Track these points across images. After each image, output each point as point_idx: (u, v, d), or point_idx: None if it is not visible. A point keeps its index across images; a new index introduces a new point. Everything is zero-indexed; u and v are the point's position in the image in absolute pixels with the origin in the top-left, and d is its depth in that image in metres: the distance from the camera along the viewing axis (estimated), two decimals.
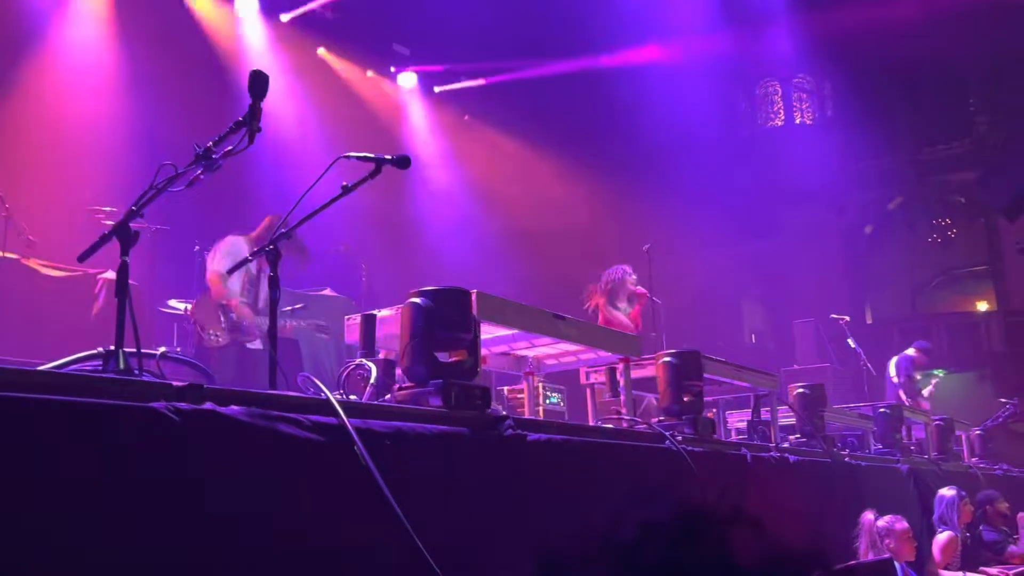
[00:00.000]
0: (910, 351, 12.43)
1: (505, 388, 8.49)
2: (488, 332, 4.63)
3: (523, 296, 5.24)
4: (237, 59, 11.87)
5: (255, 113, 3.09)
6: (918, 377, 12.56)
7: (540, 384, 8.36)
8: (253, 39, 12.36)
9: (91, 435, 2.29)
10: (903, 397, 11.78)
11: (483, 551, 3.30)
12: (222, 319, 7.20)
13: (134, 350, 2.98)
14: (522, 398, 6.38)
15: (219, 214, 8.48)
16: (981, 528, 8.24)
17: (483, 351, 4.31)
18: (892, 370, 12.24)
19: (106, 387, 2.47)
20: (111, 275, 7.31)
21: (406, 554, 2.84)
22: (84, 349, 3.09)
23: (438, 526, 3.01)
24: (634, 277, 8.81)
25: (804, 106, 22.93)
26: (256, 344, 7.22)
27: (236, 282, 7.24)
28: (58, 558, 2.16)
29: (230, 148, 3.13)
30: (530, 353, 5.54)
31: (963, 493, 7.71)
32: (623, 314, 8.62)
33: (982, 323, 21.46)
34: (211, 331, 7.15)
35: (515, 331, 4.77)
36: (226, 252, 7.23)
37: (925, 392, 12.23)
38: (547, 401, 8.77)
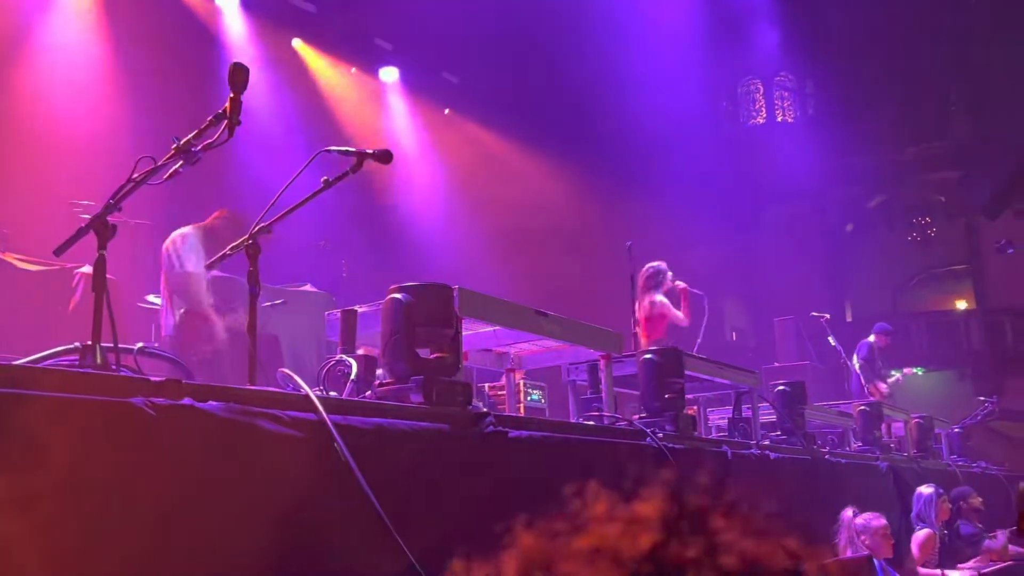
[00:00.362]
0: (871, 337, 12.48)
1: (487, 385, 8.47)
2: (471, 328, 4.61)
3: (506, 293, 5.22)
4: (218, 52, 11.79)
5: (235, 106, 3.07)
6: (881, 364, 12.56)
7: (522, 381, 8.36)
8: (233, 31, 12.29)
9: (68, 431, 2.26)
10: (862, 382, 11.86)
11: (464, 548, 3.28)
12: (203, 331, 6.80)
13: (111, 345, 2.95)
14: (504, 395, 6.36)
15: (201, 208, 8.40)
16: (959, 523, 8.29)
17: (465, 347, 4.30)
18: (855, 357, 12.33)
19: (83, 382, 2.44)
20: (88, 269, 7.19)
21: (387, 550, 2.82)
22: (61, 344, 3.06)
23: (419, 522, 3.00)
24: (671, 273, 9.24)
25: (786, 104, 23.02)
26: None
27: (203, 271, 6.82)
28: (29, 554, 2.13)
29: (210, 141, 3.10)
30: (512, 350, 5.53)
31: (941, 491, 7.76)
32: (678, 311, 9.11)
33: (961, 322, 21.64)
34: (197, 348, 6.71)
35: (497, 327, 4.76)
36: (189, 249, 6.86)
37: (890, 380, 12.25)
38: (528, 398, 8.77)
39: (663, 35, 16.88)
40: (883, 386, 11.96)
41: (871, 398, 10.85)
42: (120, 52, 10.41)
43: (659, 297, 9.09)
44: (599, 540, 0.71)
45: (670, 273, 9.22)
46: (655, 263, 9.24)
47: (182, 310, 6.88)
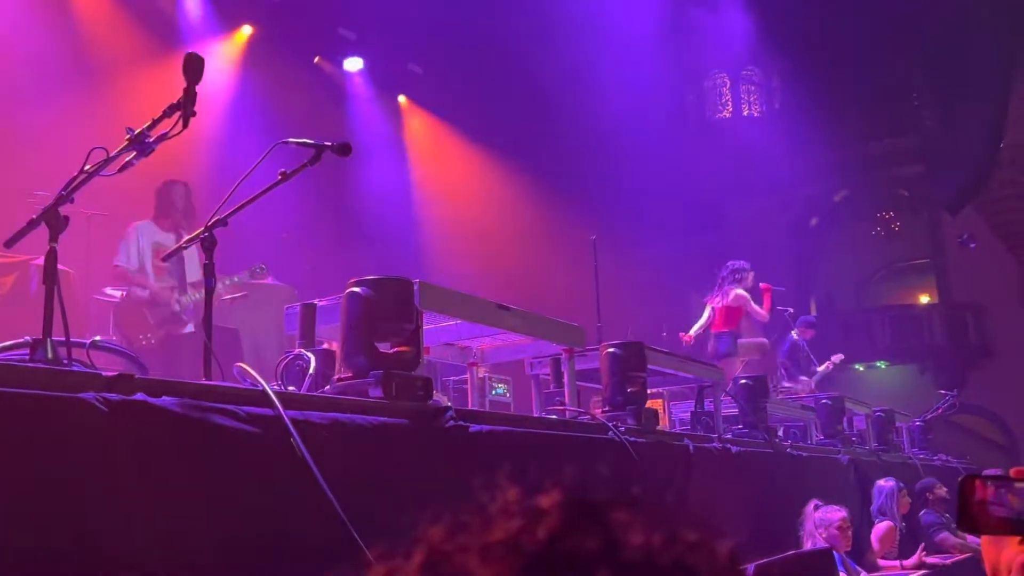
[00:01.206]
0: (794, 332, 12.53)
1: (451, 379, 8.45)
2: (433, 323, 4.59)
3: (468, 287, 5.20)
4: (176, 40, 11.63)
5: (189, 97, 3.02)
6: (806, 357, 12.56)
7: (486, 375, 8.35)
8: (192, 18, 12.12)
9: (17, 426, 2.22)
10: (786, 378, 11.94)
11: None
12: (149, 317, 6.91)
13: (63, 339, 2.90)
14: (468, 389, 6.35)
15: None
16: (922, 512, 8.39)
17: (428, 342, 4.27)
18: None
19: (32, 377, 2.40)
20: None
21: (343, 545, 2.80)
22: (11, 338, 3.00)
23: (377, 518, 2.97)
24: (753, 273, 10.47)
25: (752, 99, 23.10)
26: (190, 328, 7.05)
27: (142, 266, 6.98)
28: None
29: (164, 132, 3.06)
30: (474, 344, 5.51)
31: (901, 484, 7.83)
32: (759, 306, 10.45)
33: (923, 316, 21.83)
34: (141, 336, 6.83)
35: (459, 321, 4.74)
36: (131, 241, 7.01)
37: (821, 368, 12.29)
38: (493, 392, 8.77)
39: (629, 28, 16.86)
40: (807, 379, 12.00)
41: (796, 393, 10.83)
42: (77, 40, 10.27)
43: (740, 291, 10.20)
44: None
45: (752, 273, 10.40)
46: (740, 261, 10.44)
47: (121, 298, 7.05)
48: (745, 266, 10.38)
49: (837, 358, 12.53)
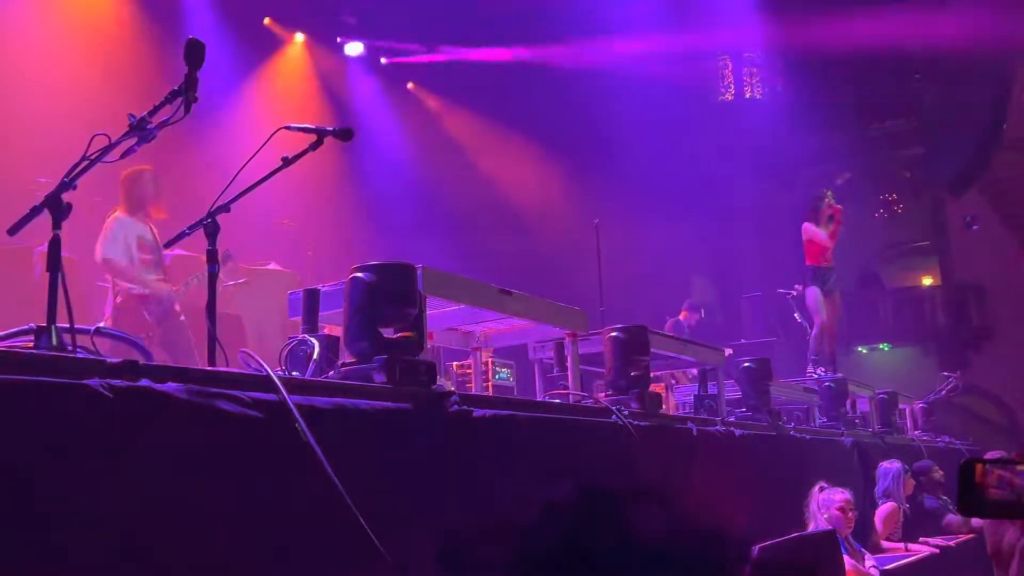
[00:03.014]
0: (681, 314, 12.39)
1: (455, 364, 8.46)
2: (436, 308, 4.59)
3: (471, 271, 5.20)
4: (179, 25, 11.61)
5: (191, 82, 3.02)
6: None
7: (490, 360, 8.35)
8: (196, 5, 12.10)
9: (21, 413, 2.22)
10: None
11: (428, 527, 3.28)
12: (147, 315, 6.77)
13: (67, 326, 2.90)
14: (472, 373, 6.36)
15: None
16: (923, 497, 8.39)
17: (431, 327, 4.28)
18: None
19: (37, 364, 2.40)
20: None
21: (348, 530, 2.81)
22: (17, 325, 3.01)
23: (381, 502, 2.98)
24: (831, 194, 10.59)
25: (754, 81, 23.02)
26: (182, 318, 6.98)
27: (131, 261, 6.80)
28: None
29: (166, 118, 3.05)
30: (478, 328, 5.51)
31: (906, 466, 7.84)
32: (825, 232, 10.44)
33: (926, 298, 21.80)
34: (142, 335, 6.46)
35: (462, 306, 4.74)
36: (106, 236, 6.79)
37: None
38: (497, 376, 8.77)
39: (631, 10, 16.81)
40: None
41: None
42: (82, 28, 10.26)
43: (806, 224, 10.47)
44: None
45: (828, 198, 10.58)
46: (817, 190, 10.63)
47: (120, 299, 6.82)
48: (818, 193, 10.78)
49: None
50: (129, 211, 6.94)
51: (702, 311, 12.65)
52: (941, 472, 8.63)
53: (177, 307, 6.96)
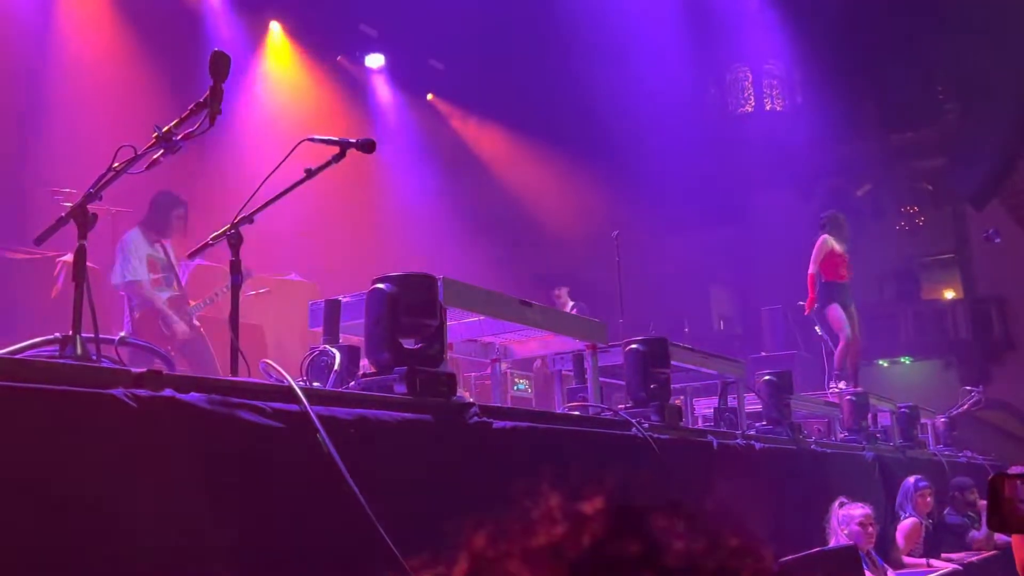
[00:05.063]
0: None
1: (473, 375, 8.47)
2: (456, 319, 4.60)
3: (491, 282, 5.21)
4: (199, 38, 11.68)
5: (216, 94, 3.04)
6: None
7: (509, 371, 8.36)
8: (217, 19, 12.19)
9: (46, 422, 2.24)
10: None
11: (447, 539, 3.27)
12: (164, 329, 6.78)
13: (92, 335, 2.92)
14: (490, 385, 6.35)
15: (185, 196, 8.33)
16: (946, 511, 8.31)
17: (451, 338, 4.28)
18: None
19: (62, 373, 2.41)
20: (70, 258, 7.09)
21: (369, 541, 2.81)
22: (43, 334, 3.03)
23: (401, 514, 2.98)
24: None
25: (774, 92, 22.98)
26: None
27: (146, 278, 6.84)
28: (9, 552, 2.11)
29: (191, 130, 3.07)
30: (497, 340, 5.51)
31: (925, 482, 7.75)
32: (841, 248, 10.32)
33: (948, 311, 21.66)
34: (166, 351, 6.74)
35: (482, 317, 4.74)
36: (122, 255, 6.83)
37: None
38: (515, 388, 8.78)
39: (651, 23, 16.83)
40: None
41: None
42: (103, 39, 10.33)
43: (825, 236, 10.38)
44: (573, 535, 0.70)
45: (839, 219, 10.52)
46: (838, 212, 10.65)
47: (138, 314, 6.85)
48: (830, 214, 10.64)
49: None
50: (145, 228, 6.97)
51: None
52: (976, 494, 8.49)
53: (196, 321, 6.99)
